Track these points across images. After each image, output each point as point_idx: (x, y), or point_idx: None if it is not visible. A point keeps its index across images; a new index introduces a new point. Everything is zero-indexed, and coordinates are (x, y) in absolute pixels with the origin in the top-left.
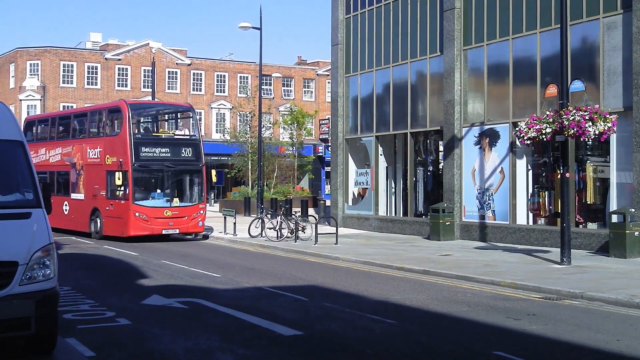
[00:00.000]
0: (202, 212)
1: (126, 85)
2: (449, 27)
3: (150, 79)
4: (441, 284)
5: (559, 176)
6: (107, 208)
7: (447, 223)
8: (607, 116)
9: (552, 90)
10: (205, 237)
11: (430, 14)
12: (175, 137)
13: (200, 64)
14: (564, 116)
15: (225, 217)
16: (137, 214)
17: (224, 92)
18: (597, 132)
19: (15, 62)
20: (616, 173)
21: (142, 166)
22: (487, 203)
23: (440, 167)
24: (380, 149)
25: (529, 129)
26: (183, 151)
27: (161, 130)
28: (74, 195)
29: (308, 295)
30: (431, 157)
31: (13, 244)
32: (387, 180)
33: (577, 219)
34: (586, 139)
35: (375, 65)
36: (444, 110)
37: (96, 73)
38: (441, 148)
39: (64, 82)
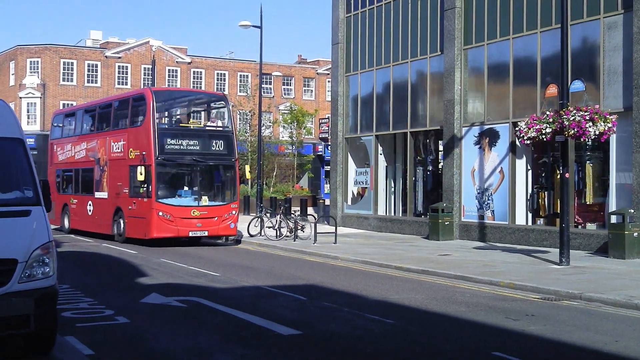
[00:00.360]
0: (234, 212)
1: (126, 84)
2: (450, 27)
3: (150, 77)
4: (440, 283)
5: (558, 176)
6: (129, 207)
7: (446, 223)
8: (608, 116)
9: (552, 90)
10: (238, 241)
11: (430, 14)
12: (205, 128)
13: (200, 62)
14: (564, 116)
15: None
16: (160, 214)
17: (224, 90)
18: (597, 133)
19: (15, 60)
20: (615, 174)
21: (167, 160)
22: (486, 203)
23: (440, 166)
24: (380, 148)
25: (529, 129)
26: (214, 144)
27: (191, 121)
28: (97, 194)
29: (307, 295)
30: (431, 156)
31: (12, 241)
32: (386, 180)
33: (576, 220)
34: (586, 140)
35: (376, 65)
36: (444, 110)
37: (96, 71)
38: (441, 148)
39: (64, 80)
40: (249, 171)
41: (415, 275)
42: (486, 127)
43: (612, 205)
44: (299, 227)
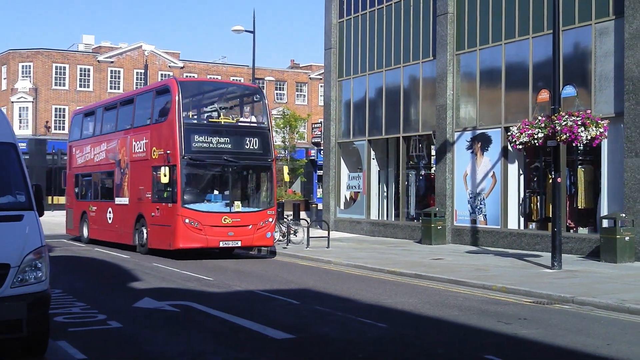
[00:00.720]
0: (270, 220)
1: (118, 88)
2: (442, 32)
3: (142, 81)
4: (433, 287)
5: (550, 181)
6: (152, 214)
7: (438, 227)
8: (599, 121)
9: (544, 95)
10: (273, 252)
11: (423, 19)
12: (239, 124)
13: (193, 66)
14: (556, 121)
15: None
16: (187, 221)
17: None
18: (589, 138)
19: (7, 64)
20: (607, 178)
21: (195, 159)
22: (478, 207)
23: (433, 171)
24: (372, 152)
25: (521, 133)
26: (248, 142)
27: (222, 117)
28: (118, 200)
29: (300, 299)
30: (423, 161)
31: (5, 246)
32: (379, 184)
33: (568, 224)
34: (578, 144)
35: (368, 70)
36: (436, 115)
37: (88, 75)
38: (433, 152)
39: (56, 84)
40: (287, 172)
41: (408, 280)
42: (478, 132)
43: (604, 210)
44: (292, 232)
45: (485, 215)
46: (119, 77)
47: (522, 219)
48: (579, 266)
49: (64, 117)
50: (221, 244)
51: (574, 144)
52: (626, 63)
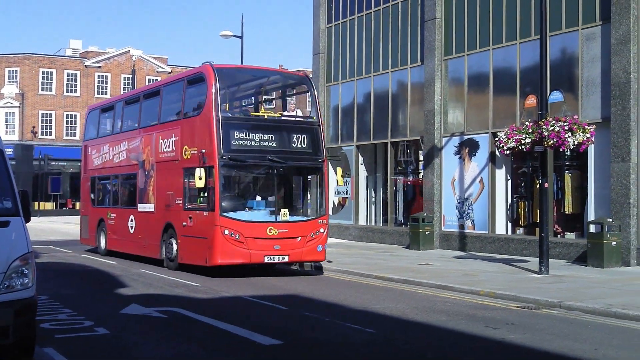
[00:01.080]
0: (322, 230)
1: (106, 93)
2: (430, 38)
3: (130, 86)
4: (421, 293)
5: (537, 186)
6: (184, 224)
7: (426, 232)
8: (586, 127)
9: (532, 100)
10: (318, 268)
11: (411, 25)
12: (284, 118)
13: (181, 71)
14: (543, 127)
15: None
16: (226, 232)
17: None
18: (576, 143)
19: None
20: (594, 183)
21: (235, 160)
22: (466, 213)
23: (420, 176)
24: (360, 158)
25: (509, 139)
26: (295, 139)
27: (262, 110)
28: (141, 207)
29: (287, 305)
30: (411, 166)
31: None
32: (367, 190)
33: (555, 229)
34: (565, 150)
35: (357, 75)
36: (424, 120)
37: (75, 80)
38: (421, 158)
39: (43, 90)
40: (341, 175)
41: (396, 285)
42: (466, 137)
43: (591, 215)
44: None
45: (473, 220)
46: (106, 82)
47: (509, 224)
48: (566, 271)
49: (50, 122)
50: (266, 259)
51: (561, 149)
52: (613, 68)
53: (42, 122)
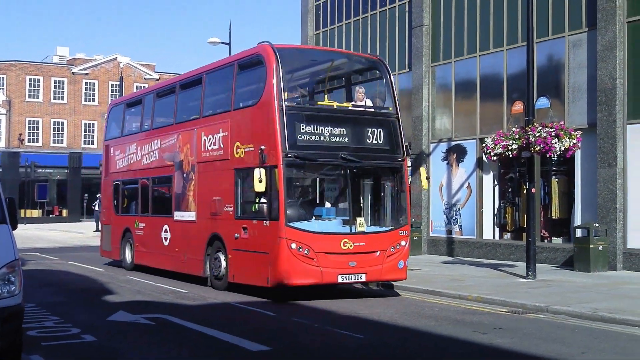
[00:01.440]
0: (404, 243)
1: (93, 100)
2: (418, 44)
3: (118, 93)
4: (409, 298)
5: (524, 191)
6: (236, 235)
7: (414, 238)
8: (573, 133)
9: (518, 106)
10: (390, 286)
11: (399, 31)
12: (356, 109)
13: (169, 78)
14: (530, 132)
15: None
16: (293, 246)
17: None
18: (562, 149)
19: None
20: (581, 188)
21: (303, 158)
22: (454, 218)
23: (409, 182)
24: None
25: (496, 145)
26: (370, 134)
27: (326, 100)
28: (179, 215)
29: (276, 311)
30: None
31: None
32: None
33: (542, 234)
34: (552, 155)
35: None
36: (412, 126)
37: (63, 88)
38: (409, 164)
39: (30, 97)
40: (426, 177)
41: (384, 290)
42: (454, 143)
43: (578, 220)
44: None
45: (460, 225)
46: (93, 89)
47: (496, 230)
48: (553, 276)
49: (37, 129)
50: (340, 279)
51: (547, 155)
52: (599, 75)
53: (29, 129)
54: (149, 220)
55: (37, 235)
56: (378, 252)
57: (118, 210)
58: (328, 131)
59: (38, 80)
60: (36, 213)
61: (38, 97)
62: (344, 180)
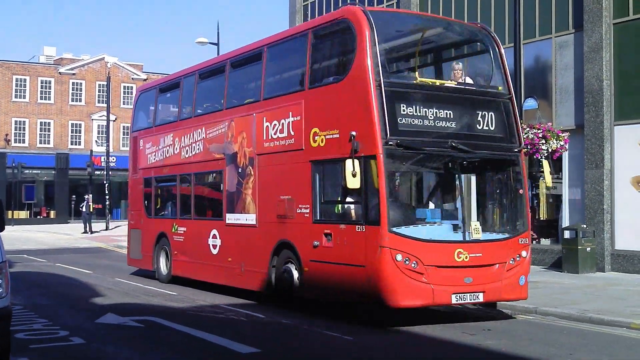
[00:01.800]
0: (524, 254)
1: (80, 100)
2: None
3: (105, 93)
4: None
5: None
6: (315, 243)
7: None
8: (560, 134)
9: None
10: (493, 305)
11: None
12: (465, 87)
13: (157, 78)
14: None
15: None
16: (399, 258)
17: None
18: (550, 150)
19: None
20: (568, 190)
21: (407, 147)
22: None
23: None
24: None
25: None
26: (480, 119)
27: (422, 78)
28: (231, 218)
29: (265, 313)
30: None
31: None
32: None
33: (530, 235)
34: (540, 157)
35: None
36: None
37: (50, 87)
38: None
39: (16, 97)
40: (549, 172)
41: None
42: None
43: (566, 221)
44: None
45: None
46: (80, 90)
47: None
48: (541, 277)
49: (24, 129)
50: (454, 299)
51: (535, 157)
52: (585, 76)
53: (16, 129)
54: (191, 224)
55: (24, 236)
56: (497, 265)
57: (150, 212)
58: (433, 114)
59: (25, 80)
60: (23, 214)
61: (25, 97)
62: (451, 175)
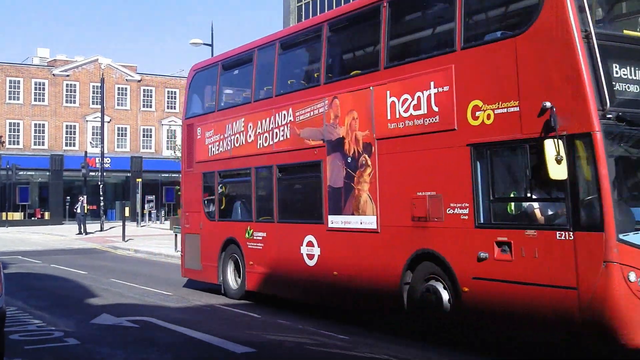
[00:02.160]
0: None
1: (74, 102)
2: None
3: (99, 95)
4: None
5: None
6: (482, 255)
7: None
8: None
9: None
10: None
11: None
12: None
13: (150, 80)
14: None
15: (176, 235)
16: (632, 277)
17: (175, 108)
18: None
19: None
20: None
21: (632, 123)
22: None
23: None
24: None
25: None
26: None
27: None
28: (336, 221)
29: (261, 313)
30: None
31: None
32: None
33: None
34: None
35: None
36: None
37: (43, 89)
38: None
39: (10, 99)
40: None
41: None
42: None
43: None
44: None
45: None
46: (74, 91)
47: None
48: None
49: (18, 131)
50: None
51: None
52: None
53: (10, 131)
54: (273, 228)
55: (19, 238)
56: None
57: (213, 214)
58: None
59: (18, 81)
60: (18, 216)
61: (18, 98)
62: None
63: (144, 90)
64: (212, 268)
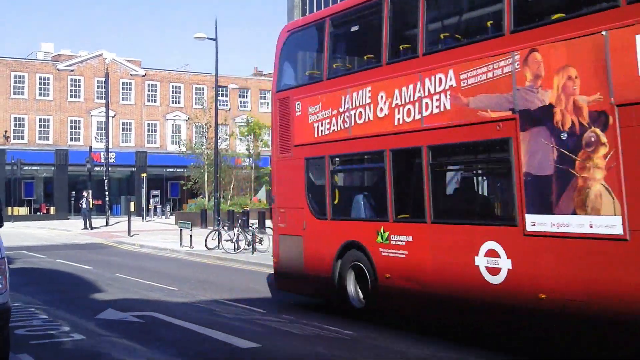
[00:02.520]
0: None
1: (79, 97)
2: None
3: (103, 90)
4: None
5: None
6: None
7: None
8: None
9: None
10: None
11: None
12: None
13: (155, 74)
14: None
15: (181, 230)
16: None
17: (179, 103)
18: None
19: None
20: None
21: None
22: None
23: None
24: None
25: None
26: None
27: None
28: (541, 223)
29: (266, 308)
30: None
31: None
32: None
33: None
34: None
35: None
36: None
37: (48, 84)
38: None
39: (15, 94)
40: None
41: None
42: None
43: None
44: (257, 240)
45: None
46: (79, 86)
47: None
48: None
49: (23, 126)
50: None
51: None
52: None
53: (15, 126)
54: (427, 230)
55: (24, 233)
56: None
57: (324, 211)
58: None
59: (23, 76)
60: (23, 211)
61: (23, 93)
62: None
63: (148, 85)
64: (325, 279)
